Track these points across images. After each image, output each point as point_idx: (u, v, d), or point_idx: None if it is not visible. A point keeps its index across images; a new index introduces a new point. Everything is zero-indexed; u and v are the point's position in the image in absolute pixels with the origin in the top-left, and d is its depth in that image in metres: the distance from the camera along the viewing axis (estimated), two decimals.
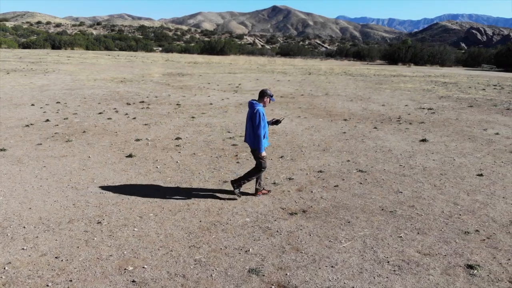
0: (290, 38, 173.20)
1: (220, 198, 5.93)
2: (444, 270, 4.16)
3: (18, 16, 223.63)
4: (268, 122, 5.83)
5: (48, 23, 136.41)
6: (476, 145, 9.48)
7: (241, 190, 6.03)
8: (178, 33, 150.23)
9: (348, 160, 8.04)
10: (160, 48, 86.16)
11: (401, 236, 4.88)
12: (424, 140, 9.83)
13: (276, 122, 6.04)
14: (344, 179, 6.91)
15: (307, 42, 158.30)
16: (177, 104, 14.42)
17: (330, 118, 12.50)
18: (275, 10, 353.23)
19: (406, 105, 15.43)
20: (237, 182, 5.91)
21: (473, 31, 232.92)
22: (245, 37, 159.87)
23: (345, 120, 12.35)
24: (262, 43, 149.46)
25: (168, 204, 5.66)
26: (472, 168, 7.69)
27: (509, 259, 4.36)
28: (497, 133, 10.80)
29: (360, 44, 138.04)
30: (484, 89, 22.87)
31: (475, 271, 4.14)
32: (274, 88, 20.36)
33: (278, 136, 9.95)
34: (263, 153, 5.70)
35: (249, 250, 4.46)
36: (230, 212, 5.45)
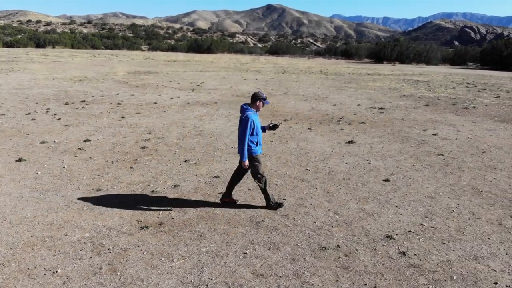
0: (283, 36, 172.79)
1: (76, 210, 5.35)
2: None
3: (11, 14, 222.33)
4: (264, 127, 5.41)
5: (38, 21, 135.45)
6: (404, 147, 8.96)
7: (275, 201, 5.55)
8: (170, 31, 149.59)
9: None
10: (148, 47, 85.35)
11: (246, 253, 4.33)
12: (351, 142, 9.30)
13: (274, 126, 5.48)
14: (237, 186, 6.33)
15: (299, 41, 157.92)
16: (118, 104, 13.84)
17: (271, 118, 11.98)
18: (269, 8, 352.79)
19: (358, 105, 14.90)
20: (268, 205, 5.48)
21: (467, 29, 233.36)
22: (237, 35, 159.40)
23: (284, 120, 11.81)
24: (254, 42, 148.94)
25: (14, 216, 5.10)
26: (383, 172, 7.16)
27: (353, 284, 3.80)
28: (435, 134, 10.29)
29: (352, 43, 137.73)
30: (454, 88, 22.42)
31: None
32: (236, 87, 19.82)
33: (201, 137, 9.42)
34: (246, 162, 5.14)
35: (57, 271, 3.90)
36: (74, 226, 4.89)
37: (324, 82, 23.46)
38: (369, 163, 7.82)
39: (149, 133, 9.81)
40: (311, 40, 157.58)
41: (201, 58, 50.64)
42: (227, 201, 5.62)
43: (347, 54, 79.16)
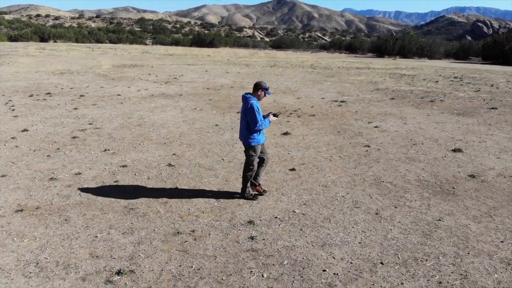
0: (291, 30, 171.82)
1: None
2: None
3: (22, 9, 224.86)
4: (264, 116, 5.33)
5: (47, 16, 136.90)
6: (336, 138, 8.99)
7: (251, 193, 5.60)
8: (177, 25, 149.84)
9: (174, 154, 7.58)
10: (151, 41, 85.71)
11: (97, 236, 4.49)
12: (286, 133, 9.36)
13: (274, 115, 5.49)
14: (136, 174, 6.50)
15: (307, 35, 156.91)
16: (81, 95, 14.05)
17: (226, 110, 12.06)
18: (280, 2, 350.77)
19: (322, 98, 14.89)
20: (242, 193, 5.55)
21: (479, 24, 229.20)
22: (244, 29, 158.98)
23: (237, 112, 11.85)
24: (261, 36, 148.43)
25: None
26: (296, 162, 7.27)
27: (180, 266, 3.95)
28: (377, 126, 10.28)
29: (361, 37, 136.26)
30: (437, 81, 22.20)
31: None
32: (213, 80, 19.90)
33: (139, 128, 9.57)
34: (272, 117, 5.33)
35: None
36: None
37: (306, 76, 23.39)
38: (289, 153, 7.87)
39: (90, 124, 9.96)
40: (319, 34, 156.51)
41: (200, 52, 50.74)
42: (256, 189, 5.65)
43: (351, 48, 78.56)
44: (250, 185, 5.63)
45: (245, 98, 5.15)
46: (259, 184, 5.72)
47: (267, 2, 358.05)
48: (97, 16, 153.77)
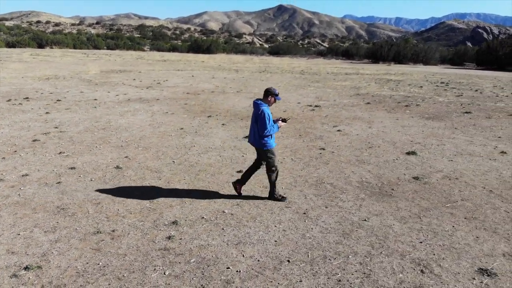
0: (290, 37, 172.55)
1: None
2: None
3: (24, 15, 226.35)
4: (273, 121, 5.44)
5: (47, 22, 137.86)
6: (295, 142, 9.10)
7: (280, 194, 5.77)
8: (177, 32, 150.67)
9: (127, 157, 7.68)
10: (149, 47, 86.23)
11: (19, 234, 4.55)
12: (247, 137, 9.40)
13: (283, 121, 5.62)
14: (81, 176, 6.63)
15: (306, 41, 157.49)
16: (58, 100, 14.20)
17: (198, 114, 12.18)
18: (280, 9, 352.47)
19: (299, 103, 15.00)
20: (271, 195, 5.66)
21: (479, 30, 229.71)
22: (244, 36, 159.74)
23: (208, 116, 11.96)
24: (260, 42, 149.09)
25: None
26: (246, 164, 7.30)
27: (88, 263, 3.98)
28: (340, 130, 10.37)
29: (360, 44, 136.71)
30: (421, 87, 22.31)
31: None
32: (197, 85, 20.04)
33: (103, 132, 9.67)
34: (280, 123, 5.47)
35: None
36: None
37: (291, 81, 23.52)
38: (243, 155, 7.94)
39: (56, 127, 10.06)
40: (318, 41, 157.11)
41: (195, 58, 51.03)
42: (237, 187, 5.75)
43: (348, 54, 78.80)
44: (236, 182, 5.78)
45: (256, 105, 5.27)
46: (241, 186, 5.78)
47: (268, 9, 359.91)
48: (97, 23, 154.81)
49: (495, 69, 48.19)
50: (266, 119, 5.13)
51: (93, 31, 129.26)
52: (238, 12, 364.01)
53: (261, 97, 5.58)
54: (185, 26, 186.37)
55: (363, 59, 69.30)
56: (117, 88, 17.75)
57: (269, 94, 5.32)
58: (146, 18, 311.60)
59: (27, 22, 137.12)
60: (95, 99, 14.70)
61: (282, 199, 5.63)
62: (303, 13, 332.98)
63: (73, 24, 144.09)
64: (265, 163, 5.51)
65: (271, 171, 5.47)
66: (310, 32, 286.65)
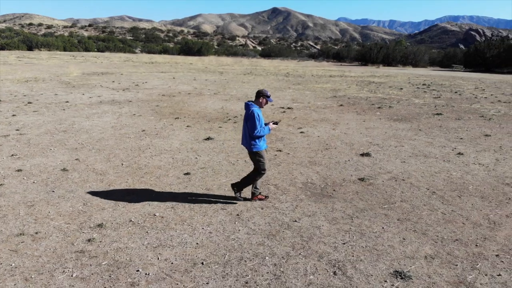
0: (283, 39, 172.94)
1: None
2: None
3: (17, 18, 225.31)
4: (265, 124, 5.42)
5: (40, 24, 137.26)
6: (270, 143, 9.00)
7: (241, 194, 5.75)
8: (170, 34, 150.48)
9: (77, 159, 7.64)
10: (140, 49, 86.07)
11: None
12: (208, 139, 9.47)
13: (274, 123, 5.57)
14: (25, 178, 6.62)
15: (299, 44, 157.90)
16: (29, 102, 14.13)
17: (166, 116, 12.25)
18: (275, 12, 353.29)
19: (272, 105, 15.03)
20: (237, 186, 5.63)
21: (472, 32, 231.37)
22: (237, 38, 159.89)
23: (176, 118, 11.96)
24: (253, 45, 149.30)
25: None
26: (195, 166, 7.36)
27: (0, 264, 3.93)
28: (303, 132, 10.44)
29: (353, 46, 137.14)
30: (401, 89, 22.41)
31: None
32: (175, 87, 20.01)
33: (63, 134, 9.64)
34: (272, 125, 5.41)
35: None
36: None
37: (272, 84, 23.54)
38: (196, 158, 7.92)
39: (17, 130, 10.00)
40: (311, 43, 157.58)
41: (184, 60, 51.00)
42: (258, 198, 5.75)
43: (339, 57, 79.05)
44: (252, 196, 5.69)
45: (247, 106, 5.27)
46: (259, 193, 5.77)
47: (262, 12, 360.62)
48: (89, 25, 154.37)
49: (483, 71, 48.53)
50: (256, 120, 5.13)
51: (85, 34, 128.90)
52: (232, 15, 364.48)
53: (251, 99, 5.56)
54: (178, 29, 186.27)
55: (353, 62, 69.54)
56: (93, 90, 17.67)
57: (261, 96, 5.31)
58: (140, 20, 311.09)
59: (19, 24, 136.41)
60: (67, 102, 14.63)
61: (243, 199, 5.66)
62: (298, 16, 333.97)
63: (65, 27, 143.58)
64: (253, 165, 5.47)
65: (260, 174, 5.45)
66: (304, 34, 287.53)
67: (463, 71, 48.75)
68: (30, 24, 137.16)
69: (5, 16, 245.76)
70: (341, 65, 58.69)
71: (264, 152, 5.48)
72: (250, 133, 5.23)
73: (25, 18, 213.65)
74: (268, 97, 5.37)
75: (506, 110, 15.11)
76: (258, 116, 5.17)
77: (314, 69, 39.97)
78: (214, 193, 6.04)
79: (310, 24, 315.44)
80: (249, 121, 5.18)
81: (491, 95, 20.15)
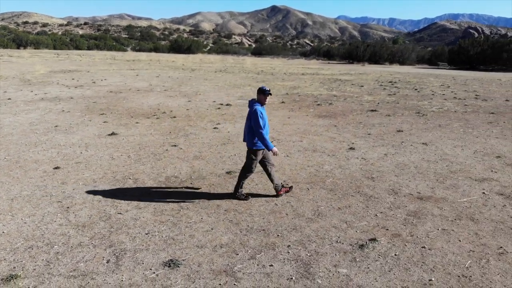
0: (280, 37, 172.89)
1: None
2: None
3: (15, 16, 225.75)
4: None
5: (35, 23, 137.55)
6: (157, 139, 9.28)
7: (243, 192, 5.82)
8: (166, 32, 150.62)
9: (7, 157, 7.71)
10: (129, 48, 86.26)
11: None
12: (112, 134, 9.58)
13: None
14: None
15: (295, 42, 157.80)
16: None
17: (94, 112, 12.39)
18: (274, 10, 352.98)
19: (214, 101, 15.20)
20: (234, 193, 5.76)
21: (471, 30, 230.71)
22: (233, 36, 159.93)
23: (101, 114, 12.13)
24: (249, 43, 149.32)
25: None
26: (74, 160, 7.38)
27: None
28: (216, 128, 10.54)
29: (348, 44, 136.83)
30: (362, 86, 22.53)
31: None
32: (132, 84, 20.15)
33: None
34: (274, 149, 5.40)
35: None
36: None
37: (234, 81, 23.64)
38: (81, 152, 8.03)
39: None
40: (307, 41, 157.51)
41: (168, 58, 51.14)
42: (285, 191, 5.90)
43: (329, 55, 79.04)
44: (277, 190, 5.75)
45: (250, 103, 5.38)
46: (283, 185, 5.87)
47: (262, 10, 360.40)
48: (85, 23, 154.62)
49: (467, 69, 48.47)
50: (259, 117, 5.22)
51: (80, 32, 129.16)
52: (231, 13, 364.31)
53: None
54: (174, 27, 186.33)
55: (342, 60, 69.53)
56: (45, 88, 17.82)
57: (260, 93, 5.39)
58: (139, 18, 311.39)
59: (15, 23, 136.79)
60: (9, 99, 14.77)
61: (245, 198, 5.72)
62: (297, 14, 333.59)
63: (60, 25, 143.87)
64: (244, 162, 5.59)
65: (248, 171, 5.56)
66: (304, 32, 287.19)
67: (448, 69, 48.72)
68: (26, 22, 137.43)
69: (3, 15, 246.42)
70: (328, 63, 58.72)
71: (261, 152, 5.58)
72: (254, 130, 5.28)
73: (23, 16, 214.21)
74: (264, 91, 5.38)
75: (452, 106, 15.19)
76: (261, 114, 5.26)
77: (295, 68, 40.04)
78: (65, 187, 6.13)
79: (310, 22, 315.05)
80: (252, 118, 5.28)
81: (451, 92, 20.22)
